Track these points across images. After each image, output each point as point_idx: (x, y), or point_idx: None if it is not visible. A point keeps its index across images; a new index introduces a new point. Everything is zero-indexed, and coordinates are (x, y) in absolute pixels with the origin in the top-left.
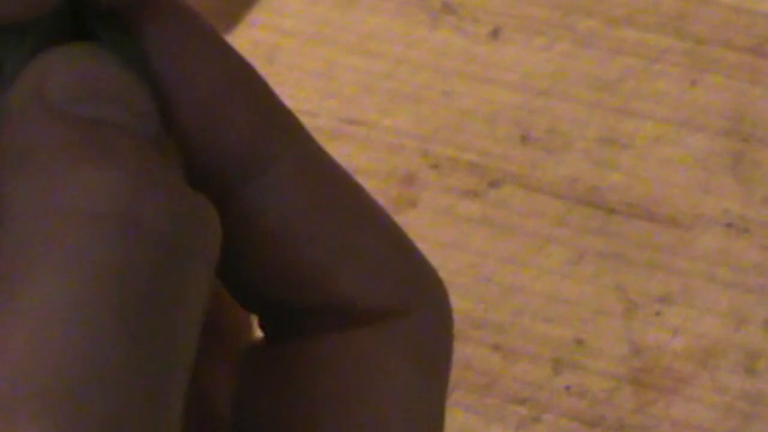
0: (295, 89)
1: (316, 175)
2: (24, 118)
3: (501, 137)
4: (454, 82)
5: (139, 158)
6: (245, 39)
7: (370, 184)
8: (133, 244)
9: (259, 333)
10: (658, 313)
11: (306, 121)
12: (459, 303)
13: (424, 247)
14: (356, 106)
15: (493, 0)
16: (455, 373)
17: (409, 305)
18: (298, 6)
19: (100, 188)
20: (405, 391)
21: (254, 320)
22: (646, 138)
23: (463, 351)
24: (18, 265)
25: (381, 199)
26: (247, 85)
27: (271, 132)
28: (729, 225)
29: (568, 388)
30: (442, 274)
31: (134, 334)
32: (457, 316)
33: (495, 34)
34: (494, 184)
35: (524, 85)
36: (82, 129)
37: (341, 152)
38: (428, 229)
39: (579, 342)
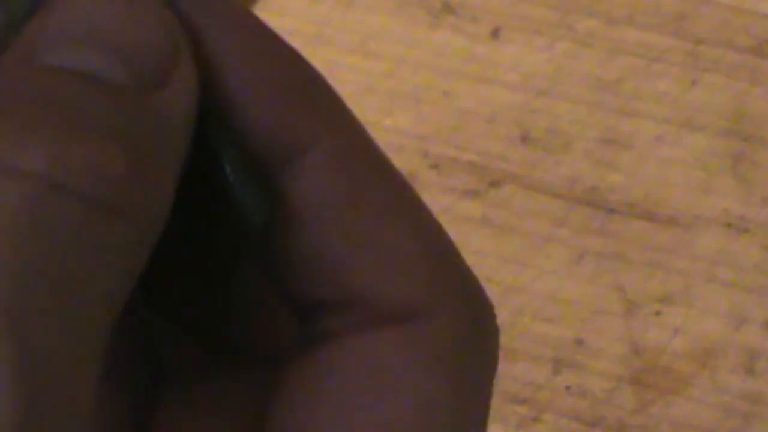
0: None
1: (354, 162)
2: (7, 67)
3: (501, 137)
4: (454, 82)
5: (48, 107)
6: None
7: None
8: (49, 202)
9: None
10: (658, 313)
11: None
12: None
13: None
14: (356, 106)
15: (493, 0)
16: None
17: (434, 307)
18: (299, 6)
19: (28, 147)
20: (422, 399)
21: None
22: (646, 138)
23: None
24: None
25: None
26: (290, 67)
27: (313, 115)
28: (729, 225)
29: (568, 388)
30: None
31: (44, 279)
32: None
33: (495, 34)
34: (494, 184)
35: (524, 85)
36: (30, 79)
37: None
38: None
39: (579, 342)
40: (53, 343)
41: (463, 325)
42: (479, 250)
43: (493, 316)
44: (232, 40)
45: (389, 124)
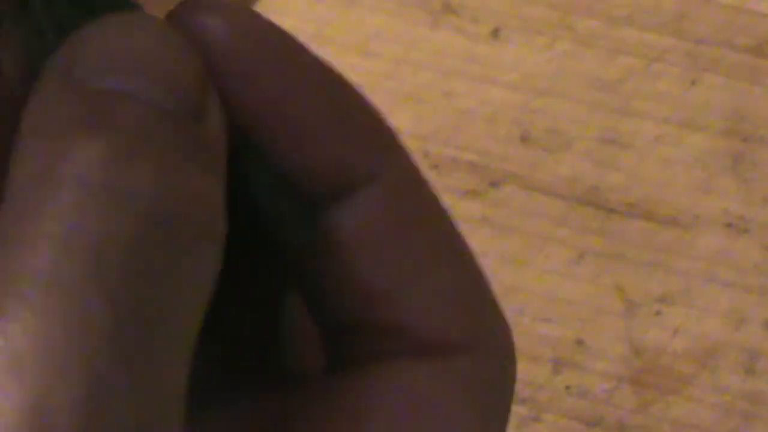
0: None
1: (407, 199)
2: (45, 91)
3: (501, 137)
4: (454, 82)
5: (142, 130)
6: None
7: None
8: (117, 214)
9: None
10: (658, 313)
11: None
12: None
13: None
14: None
15: (493, 0)
16: None
17: (474, 343)
18: (299, 6)
19: (91, 158)
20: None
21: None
22: (646, 138)
23: None
24: (7, 232)
25: None
26: (346, 102)
27: (369, 150)
28: (729, 225)
29: (568, 388)
30: None
31: (115, 301)
32: None
33: (495, 34)
34: (494, 184)
35: (524, 85)
36: (93, 101)
37: None
38: None
39: (579, 342)
40: (159, 369)
41: (496, 363)
42: (479, 250)
43: (513, 352)
44: (282, 71)
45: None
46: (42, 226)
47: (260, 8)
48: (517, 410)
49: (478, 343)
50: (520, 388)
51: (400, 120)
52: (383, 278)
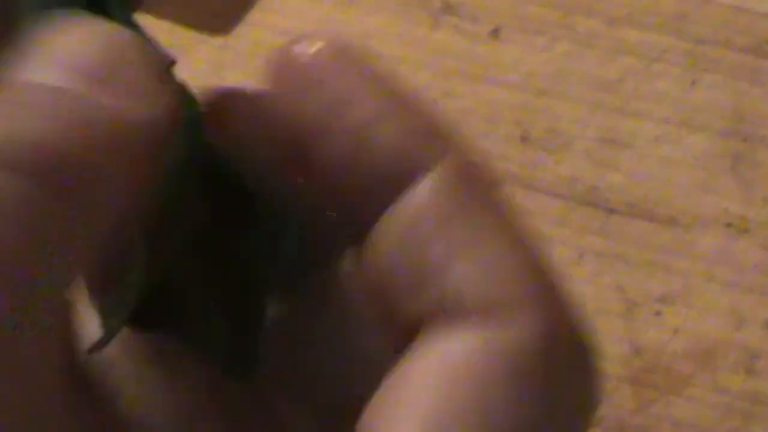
0: None
1: (460, 187)
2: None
3: (501, 137)
4: (454, 82)
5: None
6: (245, 39)
7: None
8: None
9: None
10: (658, 313)
11: None
12: None
13: None
14: None
15: (493, 0)
16: None
17: (519, 304)
18: (298, 6)
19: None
20: (496, 403)
21: None
22: (646, 138)
23: None
24: None
25: None
26: (398, 96)
27: (425, 142)
28: (729, 225)
29: None
30: None
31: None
32: None
33: (495, 34)
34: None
35: (524, 85)
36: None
37: None
38: None
39: None
40: None
41: (545, 326)
42: None
43: (581, 335)
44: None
45: None
46: None
47: (259, 8)
48: None
49: (519, 310)
50: None
51: None
52: (432, 257)
